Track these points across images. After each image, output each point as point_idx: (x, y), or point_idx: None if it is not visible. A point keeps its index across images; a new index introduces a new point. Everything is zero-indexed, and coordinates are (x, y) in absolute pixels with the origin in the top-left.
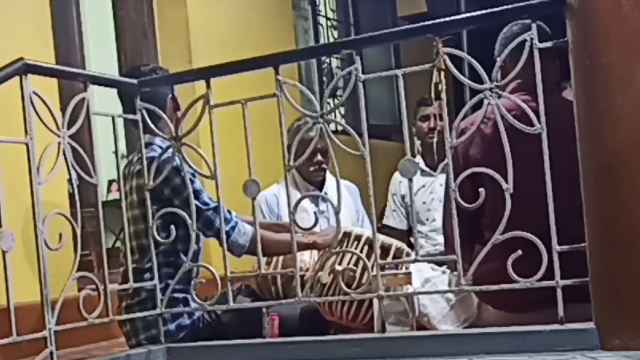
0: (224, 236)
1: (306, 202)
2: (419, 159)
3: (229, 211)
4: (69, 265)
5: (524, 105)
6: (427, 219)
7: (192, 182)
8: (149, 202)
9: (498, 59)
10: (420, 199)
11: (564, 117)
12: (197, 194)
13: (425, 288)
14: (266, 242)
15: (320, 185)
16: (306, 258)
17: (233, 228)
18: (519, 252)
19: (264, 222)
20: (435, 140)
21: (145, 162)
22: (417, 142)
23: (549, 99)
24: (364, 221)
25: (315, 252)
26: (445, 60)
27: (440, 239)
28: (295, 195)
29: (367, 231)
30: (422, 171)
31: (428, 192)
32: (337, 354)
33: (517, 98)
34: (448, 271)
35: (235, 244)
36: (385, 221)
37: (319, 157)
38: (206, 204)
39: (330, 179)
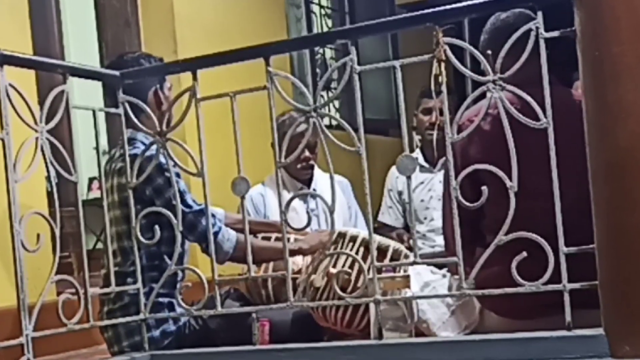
0: (211, 237)
1: (295, 201)
2: (417, 154)
3: (213, 215)
4: (47, 267)
5: (529, 99)
6: (425, 218)
7: (177, 182)
8: (131, 202)
9: (489, 51)
10: (418, 197)
11: (571, 110)
12: (180, 195)
13: (425, 292)
14: (255, 249)
15: (308, 182)
16: (299, 260)
17: (216, 233)
18: (524, 254)
19: (253, 220)
20: (435, 136)
21: (127, 159)
22: (416, 138)
23: (555, 92)
24: (357, 219)
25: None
26: (446, 50)
27: (439, 240)
28: (284, 194)
29: (363, 232)
30: (421, 167)
31: (427, 189)
32: None
33: (521, 91)
34: (448, 274)
35: (219, 250)
36: (380, 218)
37: (307, 153)
38: (189, 206)
39: (318, 175)
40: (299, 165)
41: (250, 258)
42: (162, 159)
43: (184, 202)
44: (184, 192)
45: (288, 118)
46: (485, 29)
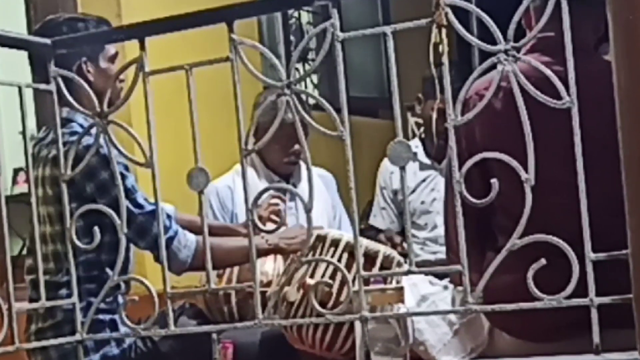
0: (163, 242)
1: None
2: (417, 147)
3: (168, 216)
4: None
5: (547, 72)
6: (426, 224)
7: (124, 176)
8: (65, 198)
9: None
10: (419, 198)
11: (602, 87)
12: (129, 192)
13: (422, 308)
14: (216, 252)
15: (287, 177)
16: (269, 269)
17: (172, 238)
18: (543, 261)
19: (211, 224)
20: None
21: (61, 146)
22: (412, 120)
23: (582, 62)
24: (341, 221)
25: (280, 261)
26: (448, 14)
27: (442, 249)
28: (257, 186)
29: (346, 234)
30: (422, 163)
31: (429, 189)
32: None
33: (536, 61)
34: (451, 286)
35: (174, 259)
36: (371, 221)
37: (297, 147)
38: (140, 206)
39: (303, 169)
40: (286, 159)
41: (209, 265)
42: (107, 148)
43: (133, 200)
44: (133, 188)
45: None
46: None
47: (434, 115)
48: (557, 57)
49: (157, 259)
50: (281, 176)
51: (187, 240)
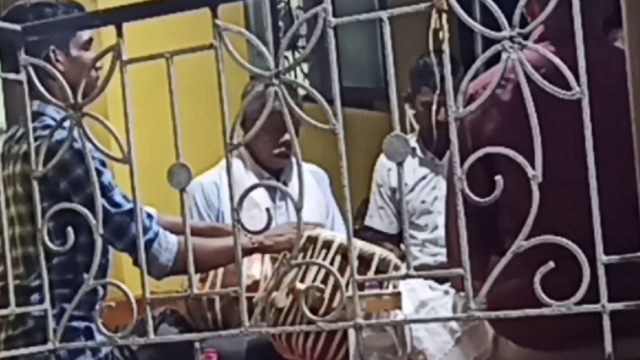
0: (141, 243)
1: (259, 195)
2: (414, 141)
3: (149, 215)
4: None
5: (556, 60)
6: (427, 225)
7: (100, 172)
8: (37, 195)
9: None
10: (419, 197)
11: (614, 76)
12: (106, 189)
13: (421, 314)
14: (200, 254)
15: (278, 173)
16: (256, 272)
17: (152, 240)
18: (551, 264)
19: (195, 225)
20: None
21: (32, 140)
22: (410, 112)
23: (592, 50)
24: (334, 220)
25: (268, 264)
26: None
27: (442, 251)
28: (244, 182)
29: (339, 235)
30: (421, 159)
31: (430, 187)
32: None
33: (545, 50)
34: (452, 291)
35: (154, 262)
36: (368, 222)
37: (287, 137)
38: (118, 204)
39: (292, 166)
40: (276, 151)
41: (192, 269)
42: (81, 142)
43: (110, 198)
44: (110, 185)
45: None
46: None
47: (434, 107)
48: (566, 45)
49: (136, 262)
50: (271, 173)
51: (169, 242)
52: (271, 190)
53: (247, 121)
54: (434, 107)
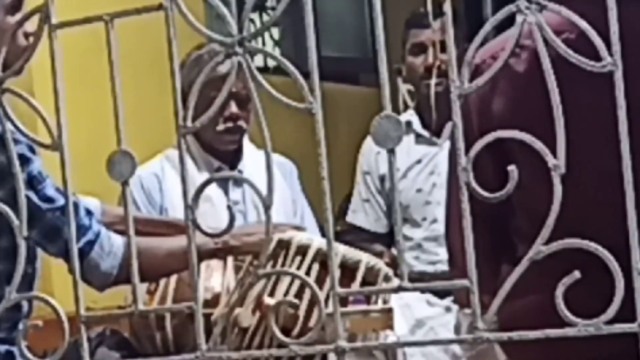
0: (75, 247)
1: (211, 188)
2: (411, 115)
3: (88, 212)
4: None
5: (583, 24)
6: (425, 219)
7: (28, 160)
8: None
9: None
10: (413, 184)
11: None
12: (35, 181)
13: (417, 336)
14: (150, 257)
15: (231, 159)
16: (215, 284)
17: (92, 242)
18: (576, 274)
19: (143, 217)
20: (433, 85)
21: None
22: (404, 88)
23: (625, 13)
24: (304, 218)
25: (230, 274)
26: None
27: (443, 252)
28: (193, 177)
29: (317, 238)
30: (418, 136)
31: (427, 171)
32: None
33: (569, 12)
34: (455, 307)
35: (95, 270)
36: (350, 218)
37: (234, 109)
38: (50, 199)
39: (249, 151)
40: (220, 127)
41: (136, 279)
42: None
43: (40, 192)
44: (40, 176)
45: (207, 53)
46: None
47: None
48: (595, 6)
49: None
50: (222, 160)
51: (113, 245)
52: (222, 183)
53: (189, 96)
54: (433, 85)
